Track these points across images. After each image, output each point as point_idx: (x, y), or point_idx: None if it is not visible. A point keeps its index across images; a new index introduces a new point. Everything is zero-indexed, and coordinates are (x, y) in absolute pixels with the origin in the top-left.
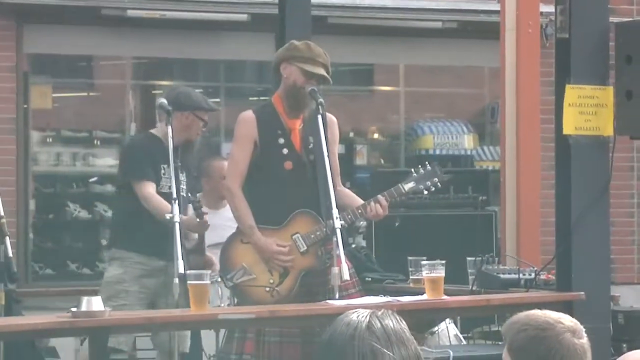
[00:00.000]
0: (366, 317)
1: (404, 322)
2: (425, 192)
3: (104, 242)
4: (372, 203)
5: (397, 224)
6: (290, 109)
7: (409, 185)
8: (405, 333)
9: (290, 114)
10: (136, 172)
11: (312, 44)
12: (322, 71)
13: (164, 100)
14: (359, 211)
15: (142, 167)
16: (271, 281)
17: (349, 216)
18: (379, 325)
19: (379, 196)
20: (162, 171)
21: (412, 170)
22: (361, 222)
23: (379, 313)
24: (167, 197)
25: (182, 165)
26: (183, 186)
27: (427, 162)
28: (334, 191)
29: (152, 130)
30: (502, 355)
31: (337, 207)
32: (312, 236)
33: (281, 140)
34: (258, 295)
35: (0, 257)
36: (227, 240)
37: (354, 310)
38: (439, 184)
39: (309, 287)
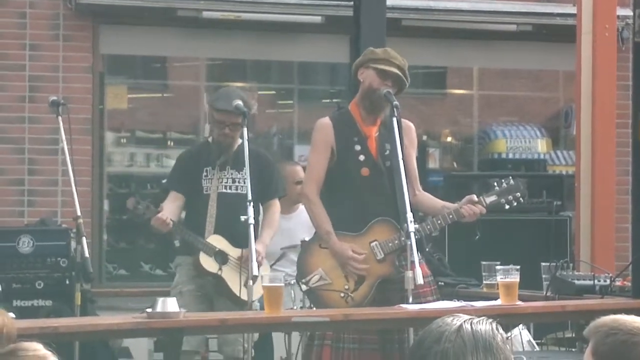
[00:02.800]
0: (460, 320)
1: (501, 331)
2: (507, 207)
3: (177, 243)
4: (466, 205)
5: (477, 237)
6: (366, 114)
7: (490, 199)
8: (498, 342)
9: (366, 121)
10: (167, 183)
11: (390, 49)
12: (396, 71)
13: (239, 102)
14: (450, 216)
15: (172, 178)
16: (346, 287)
17: (439, 221)
18: (469, 329)
19: (472, 196)
20: (205, 173)
21: (495, 183)
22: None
23: (476, 319)
24: (208, 198)
25: (226, 163)
26: (227, 182)
27: (510, 177)
28: (413, 196)
29: (209, 138)
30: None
31: (420, 212)
32: (390, 244)
33: (358, 147)
34: (333, 300)
35: (77, 257)
36: (305, 244)
37: (452, 315)
38: (521, 199)
39: (384, 294)
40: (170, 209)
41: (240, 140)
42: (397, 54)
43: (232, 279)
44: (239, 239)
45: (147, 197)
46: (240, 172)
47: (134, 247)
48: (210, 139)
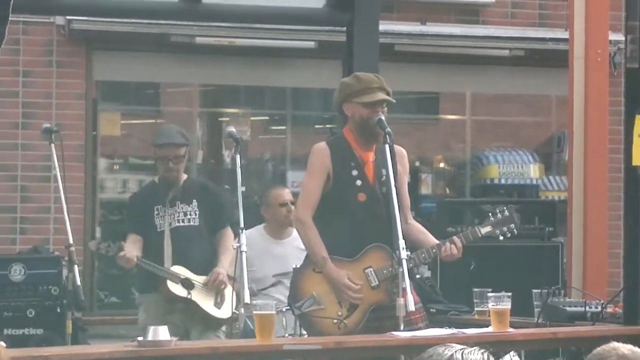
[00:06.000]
0: (452, 350)
1: None
2: (501, 238)
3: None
4: (448, 244)
5: (472, 267)
6: (362, 141)
7: (485, 230)
8: None
9: (362, 146)
10: (125, 228)
11: (360, 74)
12: (381, 96)
13: (232, 129)
14: (433, 251)
15: (128, 222)
16: (339, 313)
17: (423, 255)
18: (460, 359)
19: (455, 237)
20: (156, 212)
21: (490, 213)
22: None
23: (468, 349)
24: (162, 235)
25: (175, 199)
26: (179, 216)
27: (505, 208)
28: (405, 225)
29: (155, 178)
30: None
31: (408, 242)
32: (385, 271)
33: (355, 172)
34: (325, 326)
35: (68, 285)
36: (298, 268)
37: (445, 344)
38: (515, 230)
39: (377, 322)
40: (132, 247)
41: (185, 176)
42: (370, 75)
43: (203, 301)
44: (198, 268)
45: None
46: (190, 205)
47: (125, 274)
48: (156, 179)
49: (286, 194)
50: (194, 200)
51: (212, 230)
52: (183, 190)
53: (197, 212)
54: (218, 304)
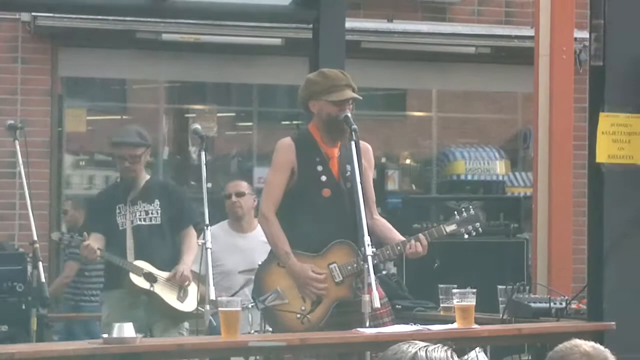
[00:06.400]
0: (415, 348)
1: (455, 358)
2: (466, 236)
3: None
4: (413, 241)
5: (436, 265)
6: (327, 137)
7: (450, 228)
8: None
9: (328, 142)
10: (85, 227)
11: (326, 71)
12: (349, 94)
13: (198, 126)
14: (398, 248)
15: (89, 221)
16: (303, 308)
17: (388, 252)
18: (424, 356)
19: (420, 235)
20: (118, 210)
21: (455, 212)
22: None
23: (432, 347)
24: (124, 233)
25: (136, 198)
26: (140, 215)
27: (470, 206)
28: (370, 220)
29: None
30: None
31: (374, 238)
32: (349, 267)
33: (320, 168)
34: (288, 321)
35: (33, 282)
36: (263, 263)
37: (409, 341)
38: (480, 229)
39: (340, 317)
40: (95, 242)
41: (147, 176)
42: (336, 72)
43: (166, 294)
44: (161, 265)
45: None
46: (152, 204)
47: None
48: (118, 179)
49: (232, 186)
50: (156, 200)
51: (174, 229)
52: (144, 189)
53: (159, 212)
54: (181, 298)
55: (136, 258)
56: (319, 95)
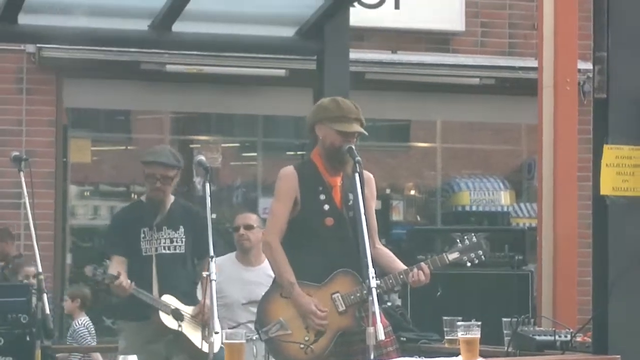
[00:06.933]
0: None
1: None
2: (468, 264)
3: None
4: (415, 270)
5: (438, 294)
6: (330, 166)
7: (453, 256)
8: None
9: (330, 171)
10: (108, 248)
11: (340, 100)
12: (356, 128)
13: (202, 157)
14: (401, 276)
15: (112, 242)
16: (306, 338)
17: (390, 281)
18: None
19: (422, 264)
20: (142, 235)
21: (458, 240)
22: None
23: None
24: (148, 259)
25: (162, 223)
26: (165, 243)
27: (472, 234)
28: (373, 249)
29: (142, 197)
30: None
31: (376, 268)
32: (352, 297)
33: (322, 197)
34: (292, 351)
35: (37, 314)
36: (266, 293)
37: None
38: (482, 257)
39: (345, 346)
40: (121, 271)
41: (172, 198)
42: (349, 104)
43: (192, 334)
44: (183, 297)
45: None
46: (177, 232)
47: (97, 301)
48: (143, 198)
49: (241, 218)
50: (181, 227)
51: (196, 257)
52: (170, 213)
53: (183, 240)
54: (206, 338)
55: (160, 290)
56: (327, 122)
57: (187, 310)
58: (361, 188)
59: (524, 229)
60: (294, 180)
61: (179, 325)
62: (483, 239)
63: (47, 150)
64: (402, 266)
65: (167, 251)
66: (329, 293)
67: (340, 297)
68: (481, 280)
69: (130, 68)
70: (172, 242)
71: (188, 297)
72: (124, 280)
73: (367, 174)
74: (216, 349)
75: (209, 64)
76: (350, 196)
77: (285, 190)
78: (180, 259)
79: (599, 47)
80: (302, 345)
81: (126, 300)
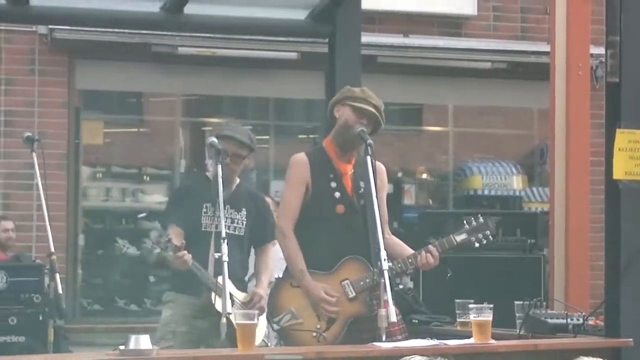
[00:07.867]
0: None
1: None
2: (477, 245)
3: (152, 279)
4: (423, 252)
5: (448, 275)
6: (341, 151)
7: (460, 237)
8: None
9: (341, 158)
10: (166, 217)
11: (367, 90)
12: (373, 110)
13: (214, 139)
14: (409, 260)
15: (171, 212)
16: (318, 326)
17: (400, 265)
18: None
19: (430, 246)
20: (204, 210)
21: (465, 221)
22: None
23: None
24: (207, 236)
25: (225, 202)
26: (226, 222)
27: (479, 215)
28: (383, 239)
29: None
30: None
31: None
32: (362, 283)
33: (333, 184)
34: (304, 339)
35: (50, 294)
36: (275, 283)
37: (412, 356)
38: (490, 237)
39: (356, 333)
40: (175, 238)
41: (238, 180)
42: (374, 95)
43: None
44: (235, 280)
45: (123, 232)
46: (240, 213)
47: (109, 282)
48: (208, 174)
49: (270, 203)
50: (243, 209)
51: (254, 243)
52: (234, 194)
53: (244, 222)
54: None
55: (216, 270)
56: (347, 100)
57: (239, 296)
58: (373, 171)
59: (537, 213)
60: (306, 167)
61: (229, 312)
62: (490, 220)
63: (60, 132)
64: (411, 252)
65: (228, 231)
66: (338, 280)
67: (350, 284)
68: (493, 264)
69: (142, 50)
70: (233, 222)
71: (242, 283)
72: (187, 254)
73: (379, 165)
74: (261, 335)
75: (220, 46)
76: (362, 184)
77: (296, 177)
78: (239, 242)
79: (612, 31)
80: (314, 334)
81: (180, 272)
